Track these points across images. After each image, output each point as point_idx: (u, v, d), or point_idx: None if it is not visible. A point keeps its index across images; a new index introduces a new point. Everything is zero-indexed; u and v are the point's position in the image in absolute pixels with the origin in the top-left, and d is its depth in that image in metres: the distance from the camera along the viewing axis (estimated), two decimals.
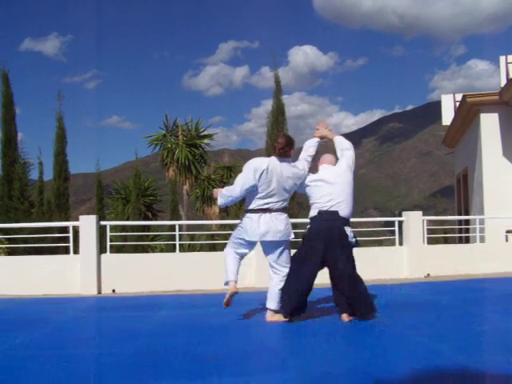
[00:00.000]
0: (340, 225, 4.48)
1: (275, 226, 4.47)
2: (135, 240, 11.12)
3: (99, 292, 7.47)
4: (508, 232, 10.83)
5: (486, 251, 9.29)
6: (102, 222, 8.06)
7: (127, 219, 14.44)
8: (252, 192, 4.52)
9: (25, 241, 9.30)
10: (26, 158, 11.62)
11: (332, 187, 4.56)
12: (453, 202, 19.05)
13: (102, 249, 7.76)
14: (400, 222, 8.92)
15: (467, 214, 14.09)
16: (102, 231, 7.91)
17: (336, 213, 4.49)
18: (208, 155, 20.02)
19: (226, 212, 16.36)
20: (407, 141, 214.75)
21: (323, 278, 4.71)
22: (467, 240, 12.65)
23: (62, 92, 11.85)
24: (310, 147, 4.92)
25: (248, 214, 4.54)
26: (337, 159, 4.85)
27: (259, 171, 4.46)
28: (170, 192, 14.32)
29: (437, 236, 15.11)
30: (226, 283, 4.68)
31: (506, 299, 5.91)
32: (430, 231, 10.09)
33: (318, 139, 4.98)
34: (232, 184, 4.73)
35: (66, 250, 8.39)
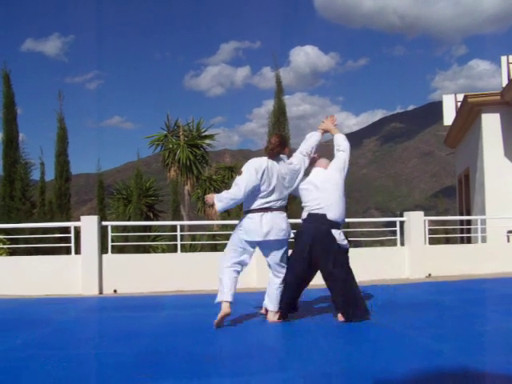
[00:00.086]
0: (326, 228, 4.50)
1: (278, 224, 4.46)
2: (137, 240, 11.15)
3: (100, 292, 7.49)
4: (509, 232, 10.81)
5: (488, 251, 9.29)
6: (104, 223, 8.07)
7: (128, 219, 14.47)
8: (252, 192, 4.48)
9: (26, 241, 9.31)
10: (28, 158, 11.70)
11: (319, 192, 4.60)
12: (454, 203, 19.01)
13: (103, 249, 7.78)
14: (401, 223, 8.92)
15: (469, 214, 14.08)
16: (103, 231, 7.93)
17: (324, 216, 4.51)
18: (209, 155, 20.01)
19: (227, 212, 16.35)
20: (409, 141, 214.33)
21: (322, 278, 4.70)
22: (469, 240, 12.64)
23: (63, 92, 11.93)
24: (310, 137, 4.92)
25: (249, 215, 4.49)
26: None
27: (261, 171, 4.45)
28: (172, 192, 14.35)
29: (438, 236, 15.06)
30: (219, 303, 4.36)
31: (507, 300, 5.90)
32: (431, 231, 10.07)
33: (320, 132, 4.98)
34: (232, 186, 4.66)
35: (67, 251, 8.42)
